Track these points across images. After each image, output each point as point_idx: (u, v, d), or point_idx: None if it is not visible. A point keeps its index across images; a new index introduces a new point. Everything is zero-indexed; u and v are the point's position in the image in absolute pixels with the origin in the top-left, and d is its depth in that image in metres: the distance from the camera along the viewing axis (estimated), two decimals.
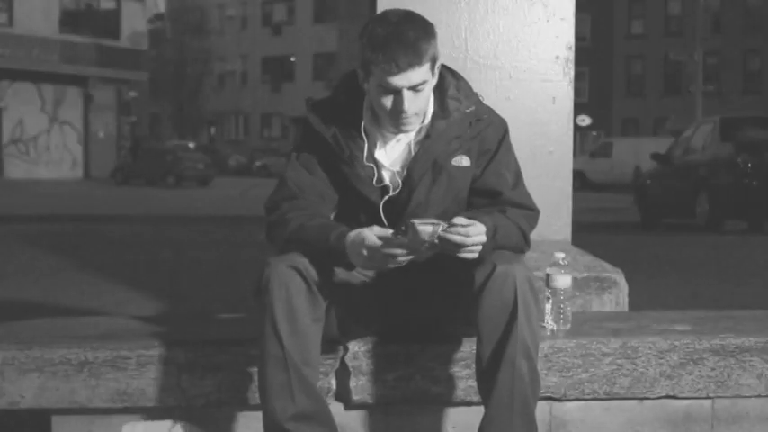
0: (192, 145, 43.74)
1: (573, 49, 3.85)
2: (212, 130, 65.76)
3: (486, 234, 2.54)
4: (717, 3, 45.15)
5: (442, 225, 2.46)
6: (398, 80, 2.58)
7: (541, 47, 3.82)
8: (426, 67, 2.61)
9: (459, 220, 2.49)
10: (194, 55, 57.77)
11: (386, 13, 2.69)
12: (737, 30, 48.93)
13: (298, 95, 59.89)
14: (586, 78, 49.95)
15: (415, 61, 2.57)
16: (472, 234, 2.49)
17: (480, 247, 2.52)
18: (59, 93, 39.97)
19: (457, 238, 2.47)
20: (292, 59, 62.67)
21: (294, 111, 59.47)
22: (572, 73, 3.85)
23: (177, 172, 36.18)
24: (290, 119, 61.13)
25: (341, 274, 2.67)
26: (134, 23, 42.92)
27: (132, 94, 44.65)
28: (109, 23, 41.64)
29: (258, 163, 50.38)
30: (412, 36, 2.58)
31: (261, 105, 63.98)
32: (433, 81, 2.68)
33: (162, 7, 63.48)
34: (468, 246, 2.49)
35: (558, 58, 3.83)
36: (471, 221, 2.50)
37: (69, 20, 40.09)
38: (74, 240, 12.16)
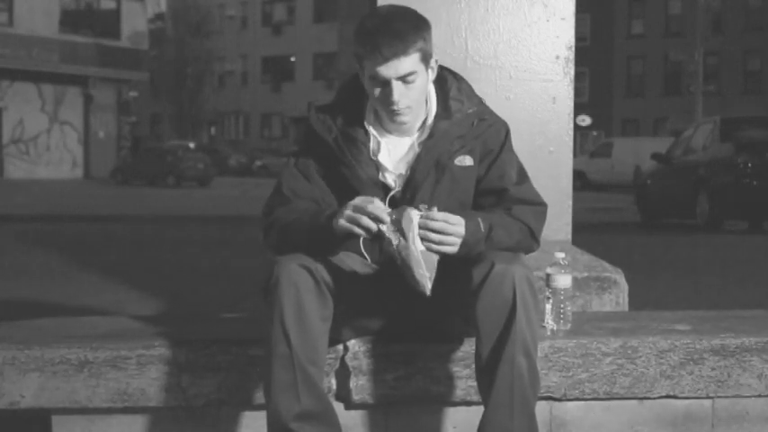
0: (192, 145, 43.68)
1: (573, 48, 3.85)
2: (212, 130, 65.75)
3: (471, 231, 2.56)
4: (717, 3, 45.13)
5: (424, 212, 2.52)
6: (385, 70, 2.60)
7: (542, 47, 3.82)
8: (414, 57, 2.62)
9: (438, 213, 2.53)
10: (194, 55, 57.73)
11: (378, 8, 2.74)
12: (737, 30, 48.93)
13: (298, 95, 59.89)
14: (586, 78, 49.95)
15: (400, 50, 2.59)
16: (452, 222, 2.53)
17: (459, 240, 2.54)
18: (59, 93, 39.98)
19: (437, 225, 2.51)
20: (292, 59, 62.67)
21: (294, 111, 59.48)
22: (572, 73, 3.85)
23: (177, 172, 36.19)
24: (290, 119, 61.10)
25: (348, 268, 2.67)
26: (134, 23, 42.94)
27: (132, 94, 44.64)
28: (109, 23, 41.66)
29: (258, 163, 50.37)
30: (397, 27, 2.61)
31: (261, 105, 63.97)
32: (429, 76, 2.70)
33: (162, 7, 63.50)
34: (449, 233, 2.52)
35: (558, 57, 3.83)
36: (448, 214, 2.54)
37: (69, 20, 40.11)
38: (74, 240, 12.16)
